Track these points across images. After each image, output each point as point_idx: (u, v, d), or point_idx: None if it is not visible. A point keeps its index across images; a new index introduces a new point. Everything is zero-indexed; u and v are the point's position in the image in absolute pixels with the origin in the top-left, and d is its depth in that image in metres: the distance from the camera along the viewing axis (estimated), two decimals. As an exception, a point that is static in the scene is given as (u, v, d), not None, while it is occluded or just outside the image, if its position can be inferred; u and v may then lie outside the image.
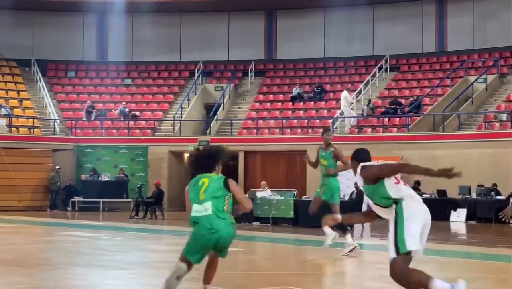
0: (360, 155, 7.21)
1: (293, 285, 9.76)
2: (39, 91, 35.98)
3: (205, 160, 7.69)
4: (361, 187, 7.16)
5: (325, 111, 33.29)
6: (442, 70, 34.49)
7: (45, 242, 16.40)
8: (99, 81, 37.88)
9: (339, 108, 32.24)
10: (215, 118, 33.92)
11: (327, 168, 13.76)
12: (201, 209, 7.36)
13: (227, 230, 7.34)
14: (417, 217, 6.75)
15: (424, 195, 25.00)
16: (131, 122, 34.10)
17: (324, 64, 37.27)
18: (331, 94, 34.54)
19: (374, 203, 7.00)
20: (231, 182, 7.57)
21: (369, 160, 7.17)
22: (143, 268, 11.81)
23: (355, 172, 7.11)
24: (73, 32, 38.43)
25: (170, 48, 38.61)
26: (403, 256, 6.63)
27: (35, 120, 33.34)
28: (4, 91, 34.96)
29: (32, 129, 32.63)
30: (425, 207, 6.92)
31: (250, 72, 36.62)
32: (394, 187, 6.88)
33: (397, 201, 6.84)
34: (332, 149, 13.81)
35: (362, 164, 7.09)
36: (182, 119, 33.60)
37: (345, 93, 31.90)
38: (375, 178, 6.91)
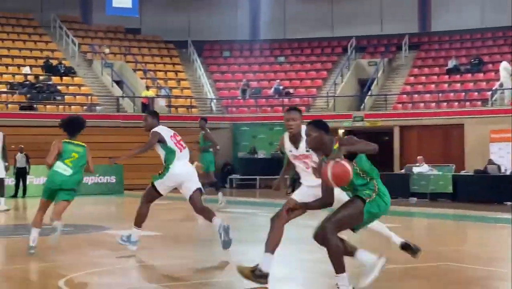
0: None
1: (453, 262, 9.57)
2: (195, 71, 36.91)
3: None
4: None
5: (483, 83, 32.28)
6: None
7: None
8: (253, 60, 38.38)
9: (498, 79, 31.15)
10: (369, 93, 33.64)
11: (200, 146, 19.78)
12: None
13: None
14: None
15: None
16: (285, 100, 34.37)
17: (482, 35, 36.06)
18: (490, 65, 33.41)
19: None
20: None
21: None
22: (300, 244, 11.89)
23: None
24: (226, 12, 39.11)
25: (322, 24, 38.52)
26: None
27: (192, 100, 34.24)
28: (163, 72, 36.11)
29: (190, 109, 33.53)
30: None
31: (404, 46, 35.97)
32: None
33: None
34: (203, 132, 19.92)
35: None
36: (336, 95, 33.54)
37: (504, 64, 30.78)
38: None
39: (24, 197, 25.25)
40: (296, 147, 7.97)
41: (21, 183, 25.51)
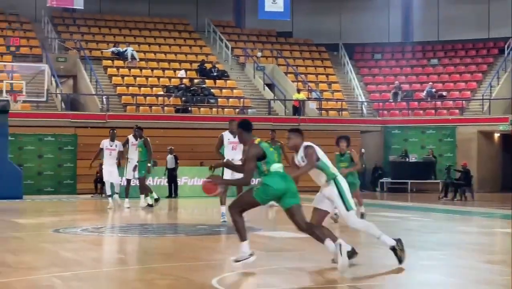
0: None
1: None
2: (346, 74, 36.82)
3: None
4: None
5: None
6: None
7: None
8: (405, 62, 37.89)
9: None
10: (527, 96, 32.45)
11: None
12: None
13: None
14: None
15: None
16: (438, 102, 33.70)
17: None
18: None
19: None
20: None
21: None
22: (454, 250, 11.64)
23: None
24: (378, 14, 38.83)
25: (478, 25, 37.54)
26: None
27: (343, 102, 34.16)
28: (314, 75, 36.24)
29: (340, 112, 33.46)
30: None
31: None
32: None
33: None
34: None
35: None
36: (492, 98, 32.55)
37: None
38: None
39: (175, 197, 25.97)
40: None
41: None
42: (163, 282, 8.39)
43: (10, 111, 24.92)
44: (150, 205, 19.95)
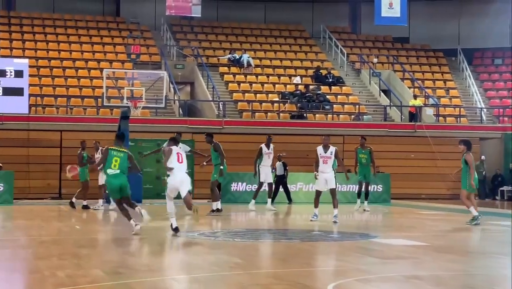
0: None
1: None
2: (465, 80, 36.07)
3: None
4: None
5: None
6: None
7: (474, 230, 16.39)
8: (527, 68, 36.81)
9: None
10: None
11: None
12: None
13: None
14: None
15: None
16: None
17: None
18: None
19: None
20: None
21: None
22: None
23: None
24: (499, 19, 37.84)
25: None
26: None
27: (461, 109, 33.47)
28: (431, 81, 35.66)
29: (458, 118, 32.79)
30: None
31: None
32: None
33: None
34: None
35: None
36: None
37: None
38: None
39: (289, 203, 25.98)
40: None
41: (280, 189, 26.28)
42: (279, 286, 8.44)
43: (130, 117, 25.60)
44: (218, 210, 20.03)
